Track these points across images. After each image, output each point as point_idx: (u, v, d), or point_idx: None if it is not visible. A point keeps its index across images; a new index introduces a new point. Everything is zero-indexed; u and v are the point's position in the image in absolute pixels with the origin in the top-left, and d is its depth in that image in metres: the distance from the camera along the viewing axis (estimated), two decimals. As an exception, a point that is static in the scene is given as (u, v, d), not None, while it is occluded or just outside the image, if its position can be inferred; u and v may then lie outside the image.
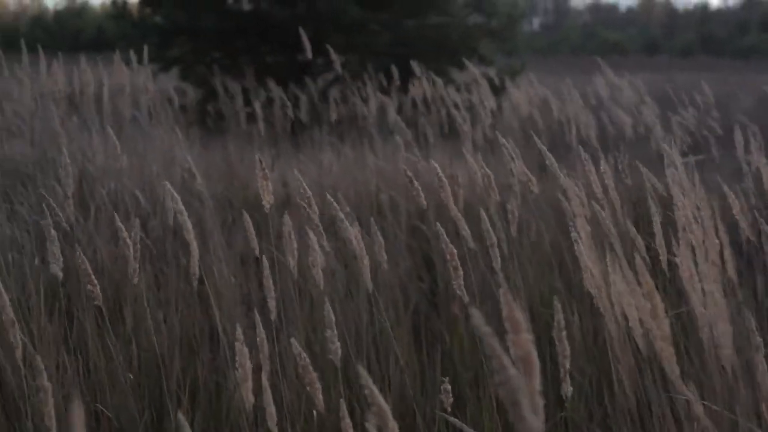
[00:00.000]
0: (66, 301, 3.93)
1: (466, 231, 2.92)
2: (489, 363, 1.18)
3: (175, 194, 2.62)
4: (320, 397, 2.27)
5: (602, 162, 3.19)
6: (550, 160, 3.07)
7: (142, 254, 4.01)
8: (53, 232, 2.81)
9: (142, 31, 11.46)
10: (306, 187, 2.65)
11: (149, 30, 11.33)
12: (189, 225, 2.63)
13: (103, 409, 3.19)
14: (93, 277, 2.66)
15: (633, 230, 2.98)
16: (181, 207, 2.59)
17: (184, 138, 5.94)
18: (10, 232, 4.52)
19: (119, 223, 2.82)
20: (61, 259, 2.79)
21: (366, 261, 2.65)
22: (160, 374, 3.39)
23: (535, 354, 1.19)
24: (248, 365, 2.22)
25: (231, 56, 11.23)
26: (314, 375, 2.24)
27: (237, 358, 2.21)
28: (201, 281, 3.65)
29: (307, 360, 2.23)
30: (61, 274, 2.75)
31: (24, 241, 4.48)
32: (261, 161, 2.57)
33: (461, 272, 2.62)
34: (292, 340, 2.28)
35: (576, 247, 2.57)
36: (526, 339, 1.17)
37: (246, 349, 2.22)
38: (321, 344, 3.36)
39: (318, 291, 3.56)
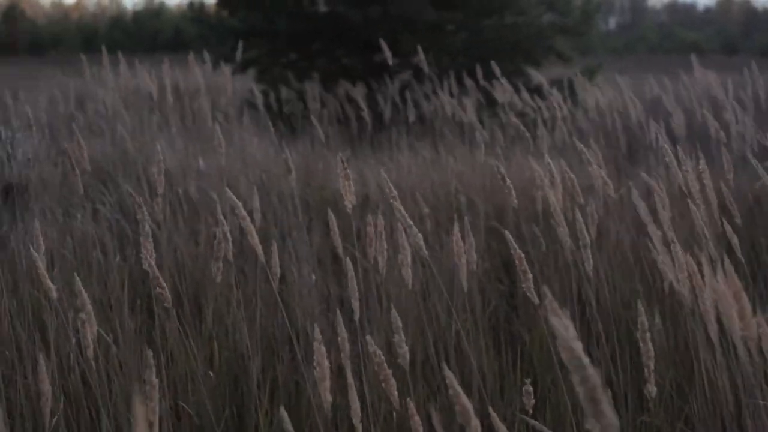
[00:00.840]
0: (147, 300, 3.98)
1: (564, 228, 2.89)
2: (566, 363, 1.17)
3: (255, 193, 2.63)
4: (395, 394, 2.27)
5: (701, 161, 3.13)
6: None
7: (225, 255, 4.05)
8: (147, 227, 2.82)
9: (219, 33, 11.57)
10: (392, 187, 2.64)
11: (226, 32, 11.42)
12: (261, 227, 2.64)
13: (184, 406, 3.22)
14: (161, 279, 2.67)
15: (729, 229, 2.91)
16: (257, 205, 2.60)
17: (261, 138, 5.99)
18: (92, 231, 4.59)
19: (212, 220, 2.84)
20: (154, 255, 2.81)
21: (464, 260, 2.64)
22: (241, 373, 3.42)
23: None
24: (326, 364, 2.22)
25: (306, 58, 11.28)
26: (389, 372, 2.23)
27: (315, 357, 2.21)
28: (281, 280, 3.68)
29: (382, 357, 2.23)
30: (156, 270, 2.76)
31: (106, 240, 4.54)
32: (343, 161, 2.58)
33: (530, 275, 2.59)
34: (368, 337, 2.28)
35: (652, 249, 2.53)
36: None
37: (324, 348, 2.22)
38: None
39: (399, 290, 3.57)
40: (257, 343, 3.43)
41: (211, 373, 3.42)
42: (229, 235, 2.95)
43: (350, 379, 2.27)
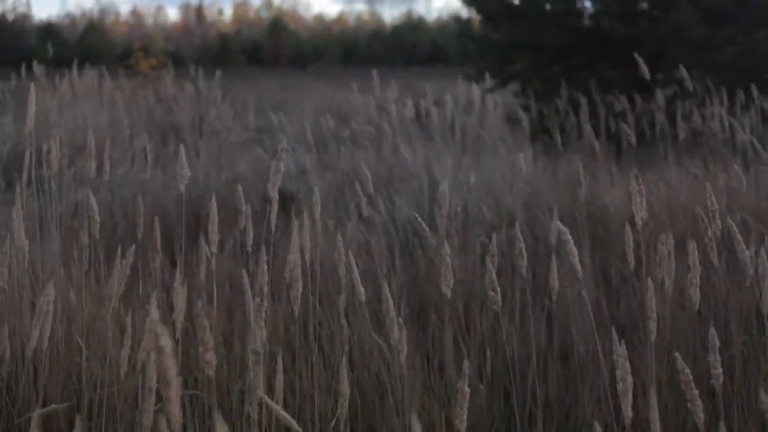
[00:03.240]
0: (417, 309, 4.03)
1: None
2: None
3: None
4: (701, 415, 2.19)
5: None
6: None
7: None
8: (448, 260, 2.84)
9: (482, 47, 11.63)
10: (714, 200, 2.56)
11: (489, 46, 11.47)
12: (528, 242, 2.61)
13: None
14: (496, 283, 2.68)
15: None
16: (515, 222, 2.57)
17: (527, 153, 5.97)
18: (364, 239, 4.69)
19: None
20: (452, 280, 2.83)
21: None
22: (512, 386, 3.40)
23: None
24: (629, 380, 2.17)
25: (569, 72, 11.18)
26: (695, 392, 2.17)
27: (618, 372, 2.16)
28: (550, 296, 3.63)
29: (690, 376, 2.17)
30: (449, 294, 2.78)
31: (373, 247, 4.64)
32: (638, 177, 2.52)
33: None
34: (677, 354, 2.21)
35: None
36: None
37: (628, 364, 2.17)
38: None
39: (678, 311, 3.47)
40: (530, 357, 3.40)
41: (481, 386, 3.42)
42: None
43: (652, 398, 2.20)
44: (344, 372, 2.48)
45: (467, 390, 2.18)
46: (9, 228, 3.42)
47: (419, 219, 2.98)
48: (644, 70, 7.37)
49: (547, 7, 11.13)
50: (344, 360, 2.53)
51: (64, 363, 3.34)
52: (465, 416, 2.16)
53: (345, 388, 2.48)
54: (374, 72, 9.85)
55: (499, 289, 2.70)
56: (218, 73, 13.62)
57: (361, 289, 2.74)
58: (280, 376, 2.61)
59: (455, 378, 3.42)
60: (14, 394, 3.21)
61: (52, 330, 3.48)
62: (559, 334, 3.76)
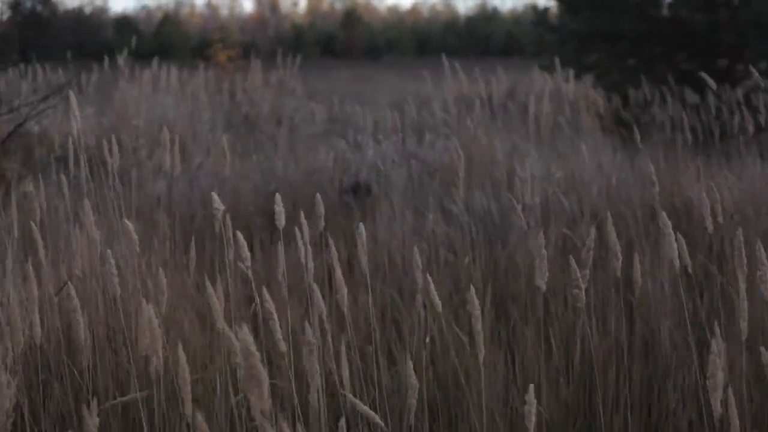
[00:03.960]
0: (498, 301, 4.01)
1: None
2: None
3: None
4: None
5: None
6: None
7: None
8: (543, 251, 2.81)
9: (561, 37, 11.53)
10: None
11: (568, 36, 11.36)
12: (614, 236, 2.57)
13: (540, 410, 3.21)
14: (581, 281, 2.66)
15: None
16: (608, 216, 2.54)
17: (607, 145, 5.91)
18: (443, 231, 4.67)
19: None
20: (547, 274, 2.79)
21: None
22: (594, 382, 3.36)
23: None
24: (720, 376, 2.13)
25: (647, 62, 11.03)
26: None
27: (709, 369, 2.13)
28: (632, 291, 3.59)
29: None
30: (544, 287, 2.75)
31: (455, 240, 4.62)
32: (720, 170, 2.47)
33: None
34: (762, 349, 2.17)
35: None
36: None
37: (719, 360, 2.13)
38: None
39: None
40: (611, 354, 3.37)
41: (560, 378, 3.39)
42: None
43: (730, 397, 2.16)
44: (410, 365, 2.48)
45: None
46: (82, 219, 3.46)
47: (493, 211, 2.95)
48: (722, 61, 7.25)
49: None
50: (408, 354, 2.52)
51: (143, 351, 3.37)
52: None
53: (414, 381, 2.47)
54: (447, 62, 9.81)
55: (583, 286, 2.66)
56: (297, 61, 13.68)
57: (436, 297, 2.71)
58: (345, 364, 2.61)
59: (536, 373, 3.39)
60: (95, 381, 3.25)
61: (125, 323, 3.52)
62: (642, 330, 3.71)
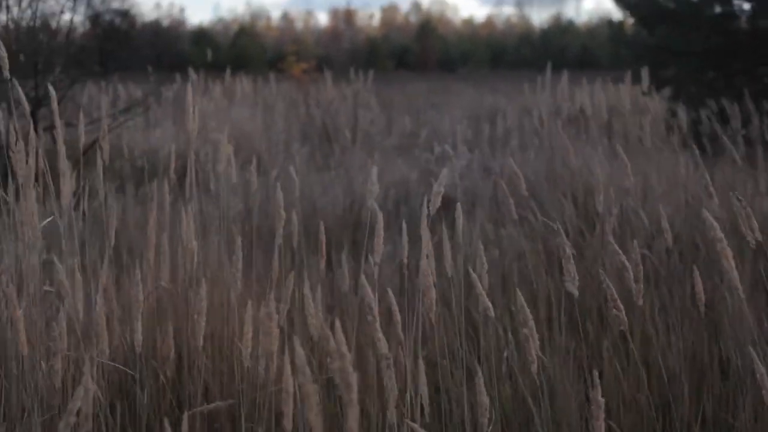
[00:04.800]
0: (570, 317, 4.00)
1: None
2: None
3: (714, 222, 2.57)
4: None
5: None
6: None
7: (647, 275, 4.00)
8: (567, 250, 2.82)
9: (637, 51, 11.46)
10: None
11: (643, 50, 11.29)
12: (727, 253, 2.57)
13: (613, 426, 3.21)
14: (619, 301, 2.66)
15: None
16: (720, 235, 2.53)
17: (682, 158, 5.87)
18: (519, 244, 4.68)
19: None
20: (577, 278, 2.80)
21: None
22: (669, 400, 3.35)
23: None
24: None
25: (725, 77, 10.91)
26: None
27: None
28: (708, 306, 3.57)
29: None
30: (576, 293, 2.76)
31: (536, 255, 4.63)
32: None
33: None
34: None
35: None
36: None
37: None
38: None
39: None
40: (685, 371, 3.36)
41: (639, 395, 3.39)
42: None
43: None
44: (481, 381, 2.49)
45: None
46: (179, 229, 3.54)
47: (570, 222, 2.96)
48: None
49: (703, 9, 10.90)
50: (482, 370, 2.53)
51: (227, 362, 3.44)
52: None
53: (485, 399, 2.49)
54: (523, 75, 9.81)
55: (622, 308, 2.66)
56: (371, 74, 13.75)
57: (487, 304, 2.73)
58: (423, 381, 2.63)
59: (614, 389, 3.40)
60: (179, 391, 3.32)
61: (214, 329, 3.60)
62: (717, 347, 3.69)
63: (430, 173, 6.94)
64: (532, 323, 2.58)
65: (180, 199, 4.55)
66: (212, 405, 2.76)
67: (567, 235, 4.98)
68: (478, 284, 2.78)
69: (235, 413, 3.21)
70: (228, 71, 13.42)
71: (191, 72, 12.70)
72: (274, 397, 3.02)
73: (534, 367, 2.57)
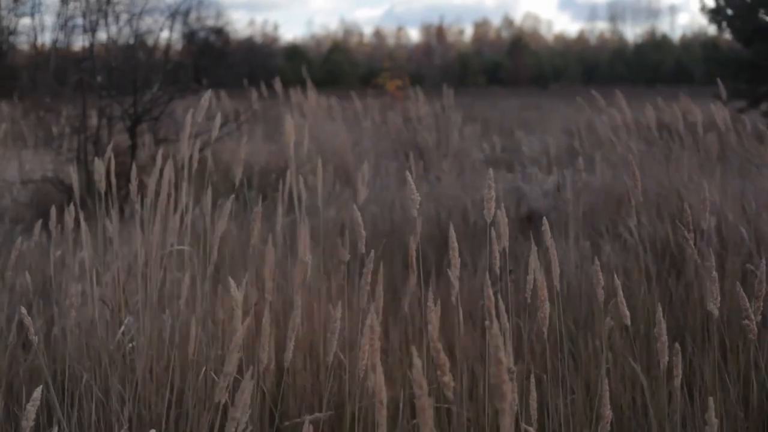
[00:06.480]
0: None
1: None
2: None
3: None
4: None
5: None
6: None
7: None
8: (714, 273, 2.78)
9: (734, 67, 11.30)
10: None
11: (741, 65, 11.14)
12: None
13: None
14: (750, 311, 2.63)
15: None
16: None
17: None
18: (617, 260, 4.65)
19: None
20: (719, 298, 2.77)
21: None
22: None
23: None
24: None
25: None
26: None
27: None
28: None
29: None
30: (716, 313, 2.74)
31: (630, 270, 4.59)
32: None
33: None
34: None
35: None
36: None
37: None
38: None
39: None
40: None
41: (740, 412, 3.33)
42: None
43: None
44: (606, 395, 2.47)
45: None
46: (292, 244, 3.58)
47: (665, 239, 2.93)
48: None
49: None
50: (604, 383, 2.51)
51: (326, 374, 3.47)
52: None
53: (607, 411, 2.47)
54: (617, 91, 9.73)
55: (753, 318, 2.63)
56: (462, 90, 13.76)
57: (627, 313, 2.73)
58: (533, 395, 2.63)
59: (716, 406, 3.34)
60: (278, 402, 3.36)
61: (312, 343, 3.63)
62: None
63: (520, 189, 6.91)
64: (665, 338, 2.57)
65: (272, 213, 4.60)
66: (312, 416, 2.79)
67: (663, 252, 4.93)
68: (600, 292, 2.78)
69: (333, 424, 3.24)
70: (321, 87, 13.55)
71: (280, 86, 12.85)
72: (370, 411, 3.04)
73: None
